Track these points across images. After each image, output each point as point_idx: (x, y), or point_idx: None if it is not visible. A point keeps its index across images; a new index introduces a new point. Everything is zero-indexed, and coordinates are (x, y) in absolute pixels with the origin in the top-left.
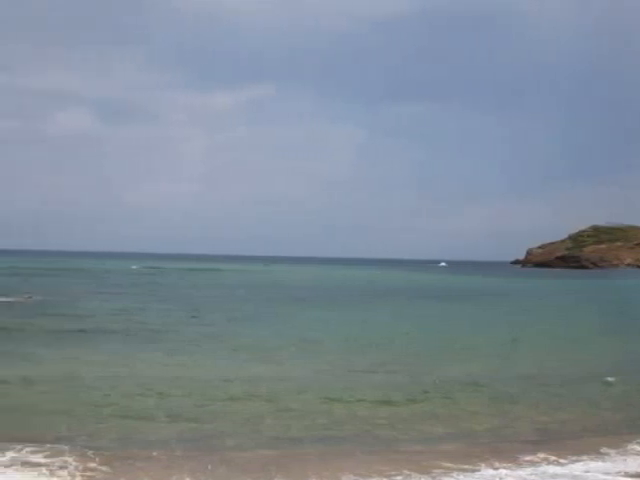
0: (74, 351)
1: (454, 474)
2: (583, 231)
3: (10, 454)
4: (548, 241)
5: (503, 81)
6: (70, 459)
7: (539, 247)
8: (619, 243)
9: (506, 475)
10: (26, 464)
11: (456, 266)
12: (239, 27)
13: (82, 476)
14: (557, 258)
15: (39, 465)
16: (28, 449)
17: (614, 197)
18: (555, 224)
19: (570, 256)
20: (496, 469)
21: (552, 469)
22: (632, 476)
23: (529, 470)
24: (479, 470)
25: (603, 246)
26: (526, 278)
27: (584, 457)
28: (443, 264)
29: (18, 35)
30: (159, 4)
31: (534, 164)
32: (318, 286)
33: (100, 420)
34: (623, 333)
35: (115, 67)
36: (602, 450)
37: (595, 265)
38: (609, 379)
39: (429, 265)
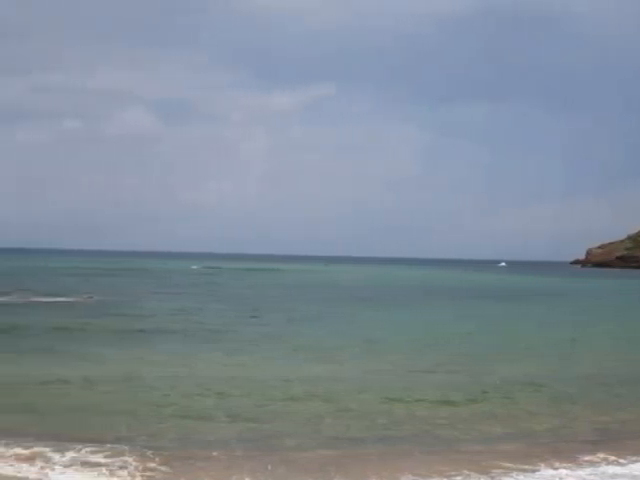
0: (134, 351)
1: (514, 474)
2: None
3: (70, 454)
4: (608, 241)
5: (566, 81)
6: (130, 459)
7: (599, 247)
8: None
9: (566, 475)
10: (86, 464)
11: (516, 266)
12: (301, 27)
13: (142, 476)
14: (617, 258)
15: (99, 465)
16: (88, 449)
17: None
18: (615, 224)
19: (630, 256)
20: (556, 469)
21: (612, 469)
22: None
23: (589, 470)
24: (539, 470)
25: None
26: (585, 278)
27: None
28: (503, 264)
29: (82, 35)
30: (220, 4)
31: (594, 164)
32: (378, 286)
33: (160, 420)
34: None
35: (176, 67)
36: None
37: None
38: None
39: (489, 265)
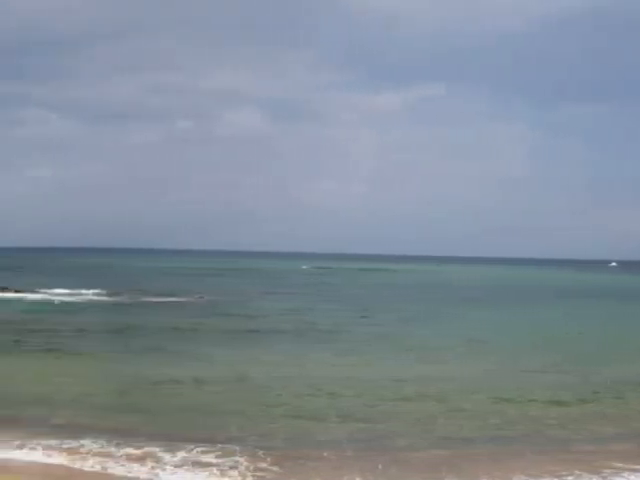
0: (245, 351)
1: (625, 474)
2: None
3: (181, 454)
4: None
5: None
6: (241, 459)
7: None
8: None
9: None
10: (197, 464)
11: (628, 266)
12: (411, 27)
13: (253, 476)
14: None
15: (210, 465)
16: (199, 449)
17: None
18: None
19: None
20: None
21: None
22: None
23: None
24: None
25: None
26: None
27: None
28: (613, 264)
29: (194, 36)
30: (330, 5)
31: None
32: (488, 286)
33: (271, 420)
34: None
35: (286, 67)
36: None
37: None
38: None
39: (598, 265)
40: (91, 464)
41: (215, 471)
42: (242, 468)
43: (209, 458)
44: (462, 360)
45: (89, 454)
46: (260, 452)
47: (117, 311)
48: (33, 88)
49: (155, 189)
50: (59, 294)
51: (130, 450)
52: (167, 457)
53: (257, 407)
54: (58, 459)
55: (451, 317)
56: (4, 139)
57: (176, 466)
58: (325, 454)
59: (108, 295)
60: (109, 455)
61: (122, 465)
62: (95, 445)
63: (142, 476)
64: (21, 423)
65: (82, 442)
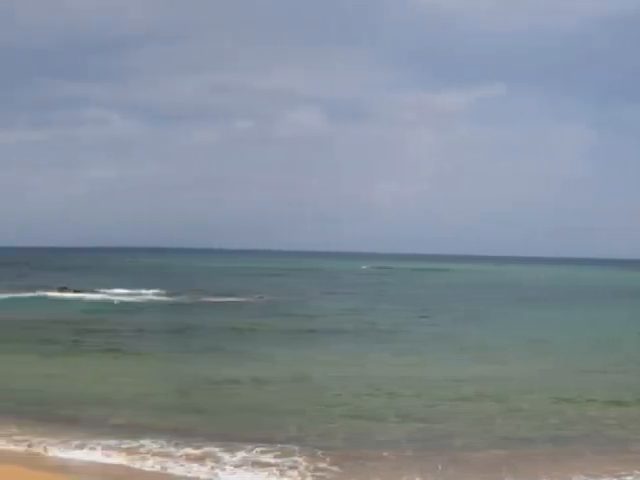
0: (305, 351)
1: None
2: None
3: (241, 454)
4: None
5: None
6: (300, 459)
7: None
8: None
9: None
10: (256, 464)
11: None
12: (470, 27)
13: (312, 476)
14: None
15: (269, 465)
16: (258, 449)
17: None
18: None
19: None
20: None
21: None
22: None
23: None
24: None
25: None
26: None
27: None
28: None
29: (254, 36)
30: (390, 4)
31: None
32: (548, 286)
33: (330, 420)
34: None
35: (346, 67)
36: None
37: None
38: None
39: None
40: (151, 464)
41: (274, 471)
42: (301, 468)
43: (268, 458)
44: (521, 360)
45: (148, 454)
46: (319, 452)
47: (176, 311)
48: (95, 88)
49: (215, 189)
50: (118, 294)
51: (189, 450)
52: (226, 457)
53: (316, 407)
54: (117, 459)
55: (510, 317)
56: (66, 139)
57: (235, 466)
58: (384, 454)
59: (167, 295)
60: (168, 455)
61: (181, 465)
62: (154, 445)
63: (202, 476)
64: (81, 423)
65: (141, 442)
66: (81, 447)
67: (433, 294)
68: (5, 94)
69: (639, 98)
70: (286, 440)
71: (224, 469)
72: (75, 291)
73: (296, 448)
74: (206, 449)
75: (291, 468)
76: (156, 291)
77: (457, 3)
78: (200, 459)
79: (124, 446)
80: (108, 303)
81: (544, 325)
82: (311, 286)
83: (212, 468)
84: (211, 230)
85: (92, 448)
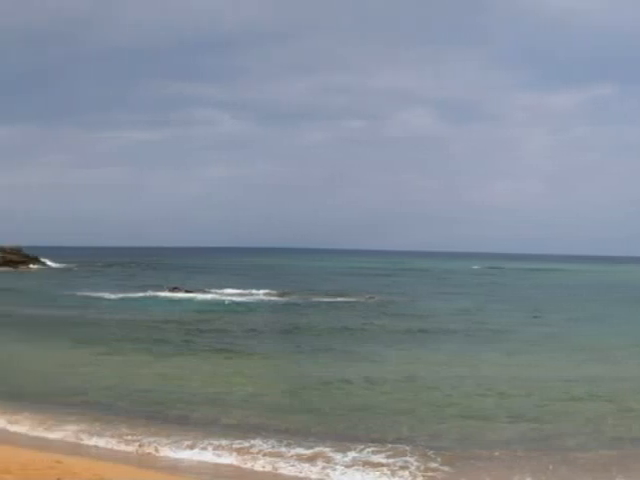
0: (415, 351)
1: None
2: None
3: (352, 454)
4: None
5: None
6: (411, 459)
7: None
8: None
9: None
10: (367, 464)
11: None
12: (584, 26)
13: (424, 476)
14: None
15: (380, 465)
16: (369, 449)
17: None
18: None
19: None
20: None
21: None
22: None
23: None
24: None
25: None
26: None
27: None
28: None
29: (365, 36)
30: (501, 4)
31: None
32: None
33: (441, 420)
34: None
35: (457, 67)
36: None
37: None
38: None
39: None
40: (262, 464)
41: (386, 471)
42: (413, 468)
43: (380, 458)
44: (634, 360)
45: (260, 454)
46: (431, 452)
47: (287, 311)
48: (206, 88)
49: (326, 189)
50: (230, 294)
51: (301, 450)
52: (338, 457)
53: (427, 407)
54: (228, 459)
55: (624, 317)
56: (178, 139)
57: (347, 466)
58: (495, 454)
59: (278, 295)
60: (280, 455)
61: (292, 465)
62: (266, 445)
63: (312, 476)
64: (192, 423)
65: (252, 442)
66: (192, 447)
67: (545, 294)
68: (118, 95)
69: None
70: (397, 440)
71: (335, 469)
72: (186, 291)
73: (407, 448)
74: (317, 449)
75: (402, 468)
76: (267, 291)
77: (568, 2)
78: (311, 459)
79: (235, 446)
80: (219, 303)
81: None
82: (422, 286)
83: (323, 468)
84: (323, 230)
85: (203, 448)
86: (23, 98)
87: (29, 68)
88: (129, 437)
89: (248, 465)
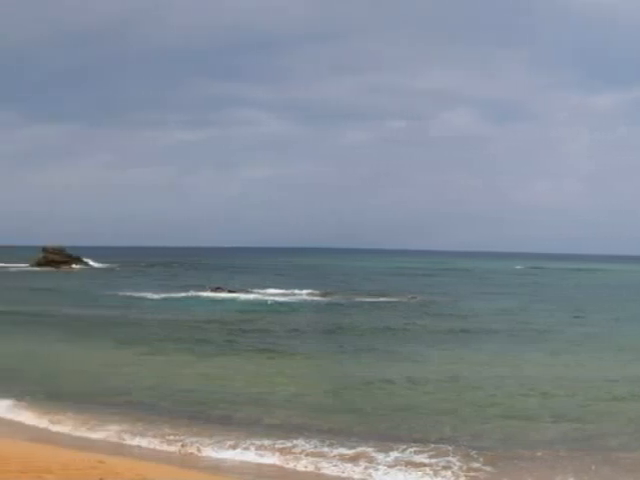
0: (457, 351)
1: None
2: None
3: (394, 454)
4: None
5: None
6: (454, 459)
7: None
8: None
9: None
10: (410, 464)
11: None
12: (629, 26)
13: (466, 476)
14: None
15: (423, 465)
16: (412, 449)
17: None
18: None
19: None
20: None
21: None
22: None
23: None
24: None
25: None
26: None
27: None
28: None
29: (409, 36)
30: (546, 4)
31: None
32: None
33: (484, 420)
34: None
35: (500, 67)
36: None
37: None
38: None
39: None
40: (304, 464)
41: (428, 471)
42: (455, 468)
43: (422, 458)
44: None
45: (302, 454)
46: (473, 452)
47: (330, 311)
48: (249, 88)
49: (369, 189)
50: (272, 294)
51: (343, 450)
52: (380, 457)
53: (469, 407)
54: (271, 459)
55: None
56: (221, 139)
57: (389, 466)
58: (538, 454)
59: (321, 295)
60: (322, 455)
61: (335, 465)
62: (308, 445)
63: (355, 476)
64: (234, 423)
65: (295, 442)
66: (234, 447)
67: (587, 294)
68: (163, 94)
69: None
70: (440, 440)
71: (378, 469)
72: (229, 291)
73: (450, 448)
74: (360, 449)
75: (445, 468)
76: (309, 291)
77: (615, 3)
78: (354, 459)
79: (278, 446)
80: (262, 303)
81: None
82: (464, 286)
83: (366, 468)
84: (365, 230)
85: (245, 448)
86: (68, 97)
87: (74, 68)
88: (171, 437)
89: (291, 465)
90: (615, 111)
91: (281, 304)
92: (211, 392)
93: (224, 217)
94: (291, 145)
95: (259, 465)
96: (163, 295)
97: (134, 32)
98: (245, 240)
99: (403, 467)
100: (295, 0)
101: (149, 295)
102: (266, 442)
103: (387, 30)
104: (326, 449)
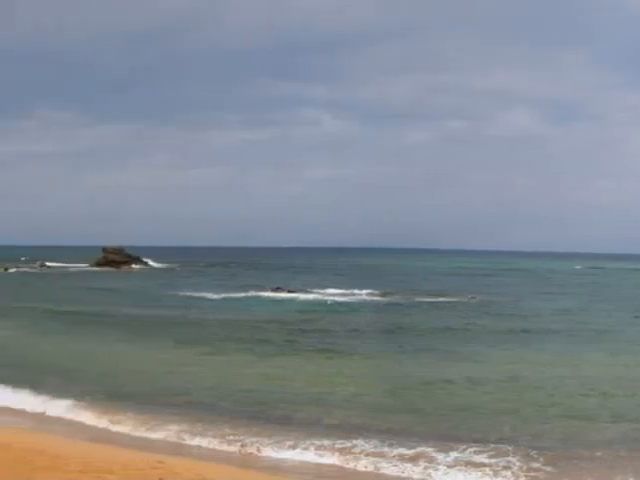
0: (517, 351)
1: None
2: None
3: (454, 454)
4: None
5: None
6: (514, 459)
7: None
8: None
9: None
10: (470, 464)
11: None
12: None
13: (526, 476)
14: None
15: (482, 465)
16: (472, 449)
17: None
18: None
19: None
20: None
21: None
22: None
23: None
24: None
25: None
26: None
27: None
28: None
29: (469, 36)
30: (607, 4)
31: None
32: None
33: (544, 420)
34: None
35: (561, 67)
36: None
37: None
38: None
39: None
40: (364, 464)
41: (488, 471)
42: (515, 468)
43: (482, 458)
44: None
45: (362, 454)
46: (533, 452)
47: (389, 311)
48: (310, 88)
49: (428, 189)
50: (332, 294)
51: (403, 450)
52: (440, 457)
53: (529, 407)
54: (331, 459)
55: None
56: (280, 139)
57: (449, 466)
58: (598, 454)
59: (381, 295)
60: (382, 455)
61: (395, 465)
62: (368, 445)
63: (415, 476)
64: (294, 423)
65: (355, 442)
66: (294, 447)
67: None
68: (222, 94)
69: None
70: (500, 440)
71: (437, 469)
72: (289, 291)
73: (510, 448)
74: (420, 449)
75: (505, 468)
76: (369, 291)
77: None
78: (413, 459)
79: (337, 446)
80: (322, 303)
81: None
82: (524, 286)
83: (425, 468)
84: (424, 230)
85: (305, 448)
86: (128, 98)
87: (134, 68)
88: (231, 437)
89: (350, 465)
90: None
91: (340, 304)
92: (271, 392)
93: (283, 217)
94: (351, 145)
95: (318, 465)
96: (223, 295)
97: (194, 32)
98: (304, 240)
99: (463, 467)
100: (355, 0)
101: (209, 295)
102: (326, 442)
103: (446, 30)
104: (386, 449)
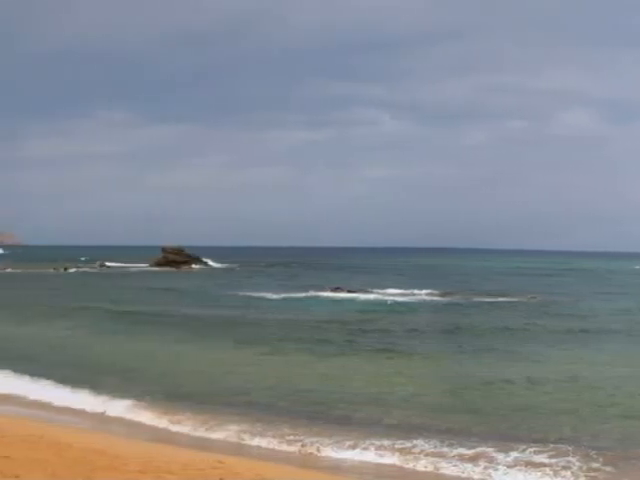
0: (577, 351)
1: None
2: None
3: (514, 454)
4: None
5: None
6: (573, 459)
7: None
8: None
9: None
10: (529, 464)
11: None
12: None
13: (586, 476)
14: None
15: (542, 465)
16: (531, 449)
17: None
18: None
19: None
20: None
21: None
22: None
23: None
24: None
25: None
26: None
27: None
28: None
29: (528, 36)
30: None
31: None
32: None
33: (603, 420)
34: None
35: (622, 67)
36: None
37: None
38: None
39: None
40: (424, 464)
41: (548, 471)
42: (575, 468)
43: (542, 458)
44: None
45: (421, 454)
46: (593, 452)
47: (449, 311)
48: (369, 89)
49: (488, 189)
50: (392, 294)
51: (463, 450)
52: (500, 457)
53: (589, 407)
54: (390, 459)
55: None
56: (340, 139)
57: (509, 466)
58: None
59: (440, 295)
60: (441, 455)
61: (455, 465)
62: (427, 445)
63: (475, 476)
64: (354, 423)
65: (414, 442)
66: (354, 447)
67: None
68: (281, 95)
69: None
70: (559, 440)
71: (497, 469)
72: (349, 291)
73: (569, 448)
74: (479, 449)
75: (564, 468)
76: (429, 291)
77: None
78: (473, 459)
79: (397, 446)
80: (381, 303)
81: None
82: (584, 286)
83: (485, 468)
84: (485, 230)
85: (365, 448)
86: (188, 98)
87: (194, 68)
88: (291, 437)
89: (410, 465)
90: None
91: (400, 304)
92: (330, 392)
93: (342, 217)
94: (410, 145)
95: (378, 465)
96: (283, 295)
97: (254, 32)
98: (363, 240)
99: (523, 467)
100: (414, 0)
101: (269, 295)
102: (385, 442)
103: (505, 30)
104: (446, 449)
